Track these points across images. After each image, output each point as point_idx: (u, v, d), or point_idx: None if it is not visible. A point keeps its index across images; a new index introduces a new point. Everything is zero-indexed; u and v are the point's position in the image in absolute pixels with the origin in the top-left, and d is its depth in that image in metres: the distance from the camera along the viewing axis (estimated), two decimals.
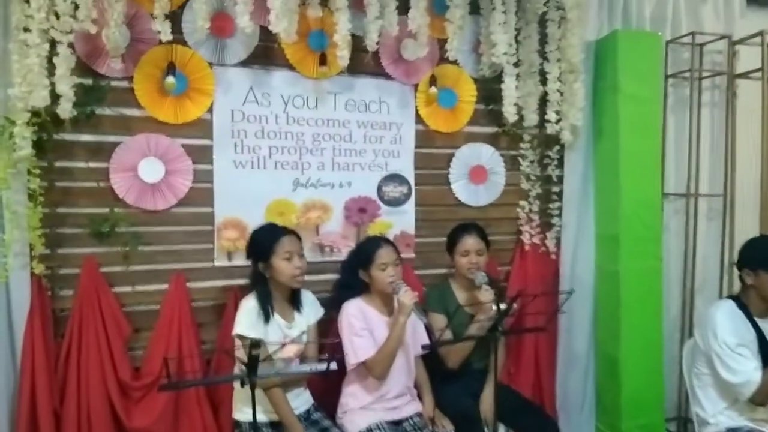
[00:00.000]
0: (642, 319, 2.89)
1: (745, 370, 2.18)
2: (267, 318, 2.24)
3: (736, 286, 3.15)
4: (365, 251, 2.43)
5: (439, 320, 2.52)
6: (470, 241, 2.59)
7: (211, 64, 2.52)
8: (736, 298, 2.36)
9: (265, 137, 2.62)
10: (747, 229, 3.19)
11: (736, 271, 3.15)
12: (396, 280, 2.33)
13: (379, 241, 2.46)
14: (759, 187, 3.16)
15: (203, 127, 2.53)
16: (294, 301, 2.39)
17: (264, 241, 2.29)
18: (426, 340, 2.46)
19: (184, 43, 2.46)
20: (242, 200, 2.58)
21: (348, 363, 2.30)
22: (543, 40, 2.90)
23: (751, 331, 2.26)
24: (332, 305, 2.47)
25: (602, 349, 3.04)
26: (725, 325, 2.25)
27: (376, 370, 2.29)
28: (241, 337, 2.16)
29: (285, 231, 2.34)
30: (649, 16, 3.12)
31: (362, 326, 2.33)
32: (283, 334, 2.26)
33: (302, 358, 2.34)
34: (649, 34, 3.02)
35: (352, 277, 2.44)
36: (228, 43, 2.53)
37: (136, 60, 2.40)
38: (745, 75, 3.22)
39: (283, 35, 2.35)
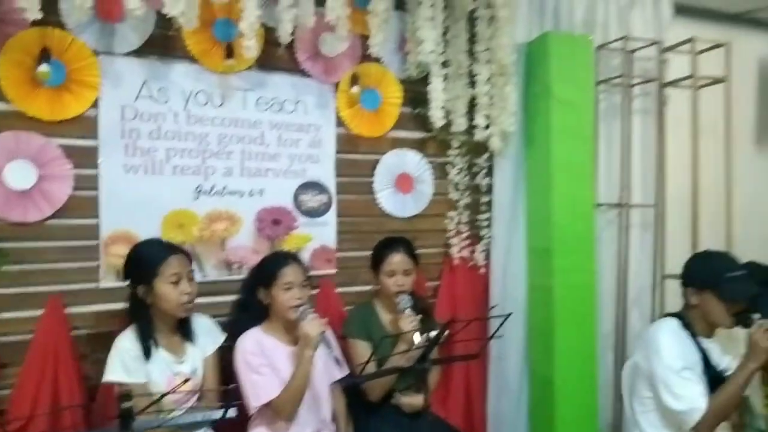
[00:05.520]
0: (577, 337, 2.72)
1: (690, 396, 2.02)
2: (148, 354, 1.90)
3: (669, 301, 3.09)
4: (267, 268, 2.13)
5: (361, 348, 2.27)
6: (397, 259, 2.35)
7: (96, 53, 2.17)
8: (679, 317, 2.19)
9: (162, 138, 2.29)
10: (679, 240, 3.10)
11: (668, 285, 3.11)
12: (302, 305, 2.05)
13: (285, 257, 2.17)
14: (690, 197, 3.06)
15: (87, 125, 2.18)
16: (184, 330, 2.05)
17: (147, 261, 1.93)
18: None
19: (63, 27, 2.11)
20: (134, 210, 2.24)
21: (249, 406, 1.99)
22: (472, 39, 2.72)
23: (695, 352, 2.11)
24: (231, 331, 2.15)
25: (535, 370, 2.85)
26: (670, 347, 2.09)
27: (283, 411, 2.00)
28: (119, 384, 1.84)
29: (174, 249, 2.00)
30: (580, 20, 2.99)
31: (261, 362, 2.03)
32: (172, 371, 1.93)
33: (200, 394, 2.01)
34: (580, 38, 2.88)
35: (253, 298, 2.14)
36: (117, 29, 2.19)
37: (1, 44, 2.02)
38: (675, 83, 3.15)
39: (182, 20, 2.04)
